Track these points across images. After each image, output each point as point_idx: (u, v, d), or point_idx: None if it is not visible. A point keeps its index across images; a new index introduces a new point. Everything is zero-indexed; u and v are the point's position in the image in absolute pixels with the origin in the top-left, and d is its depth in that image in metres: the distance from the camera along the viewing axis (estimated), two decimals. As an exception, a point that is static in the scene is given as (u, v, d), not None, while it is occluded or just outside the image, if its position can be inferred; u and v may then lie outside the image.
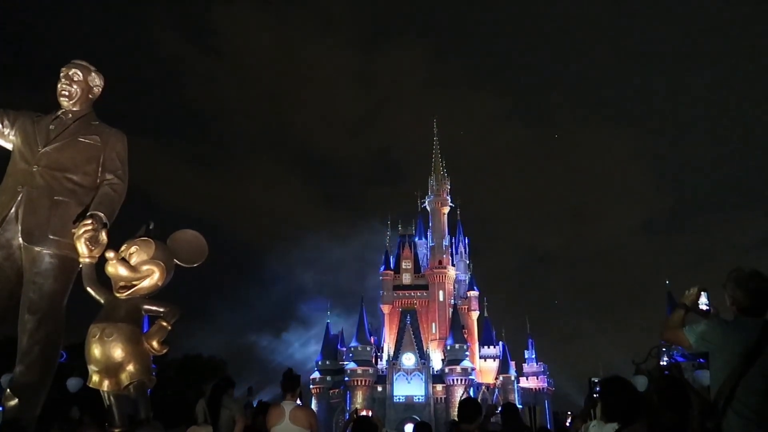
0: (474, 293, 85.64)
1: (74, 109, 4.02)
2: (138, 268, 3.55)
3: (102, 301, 3.61)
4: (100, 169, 3.90)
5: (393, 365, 74.76)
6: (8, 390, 3.34)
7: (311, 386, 77.59)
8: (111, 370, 3.43)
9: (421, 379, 73.91)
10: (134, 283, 3.54)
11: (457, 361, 74.52)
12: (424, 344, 77.50)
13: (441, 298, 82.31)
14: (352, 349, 77.42)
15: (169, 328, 3.59)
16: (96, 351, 3.42)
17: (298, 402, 5.96)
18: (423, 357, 75.41)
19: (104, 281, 3.64)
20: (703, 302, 3.44)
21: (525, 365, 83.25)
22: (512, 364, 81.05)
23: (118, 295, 3.56)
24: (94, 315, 3.59)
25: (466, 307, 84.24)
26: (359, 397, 72.98)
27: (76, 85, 4.01)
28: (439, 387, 73.99)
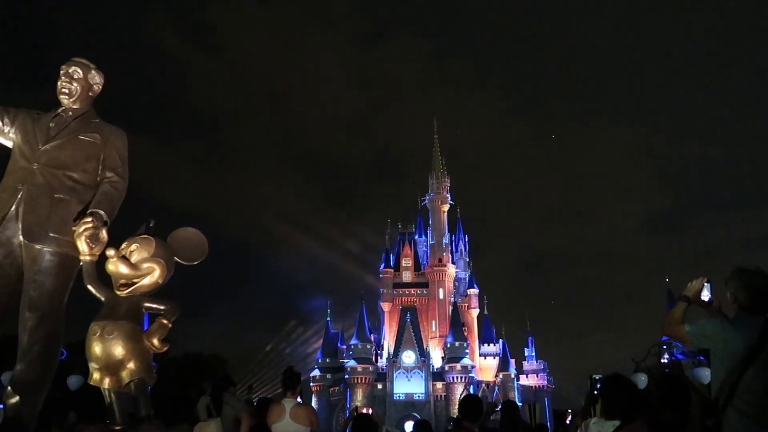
0: (474, 291, 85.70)
1: (74, 106, 4.02)
2: (138, 266, 3.55)
3: (103, 299, 3.61)
4: (100, 166, 3.90)
5: (393, 363, 74.82)
6: (9, 388, 3.34)
7: (311, 384, 77.66)
8: (112, 367, 3.44)
9: (421, 376, 73.97)
10: (135, 281, 3.54)
11: (457, 359, 74.58)
12: (424, 342, 77.56)
13: (441, 296, 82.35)
14: (352, 346, 77.47)
15: (170, 325, 3.59)
16: (97, 349, 3.42)
17: (299, 400, 5.97)
18: (423, 355, 75.47)
19: (105, 279, 3.64)
20: (705, 294, 3.42)
21: (525, 363, 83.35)
22: (512, 361, 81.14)
23: (118, 293, 3.56)
24: (93, 313, 3.59)
25: (466, 305, 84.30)
26: (359, 395, 73.03)
27: (76, 83, 4.01)
28: (439, 385, 74.06)
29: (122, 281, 3.54)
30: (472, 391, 68.00)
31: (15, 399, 3.32)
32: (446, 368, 74.81)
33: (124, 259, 3.54)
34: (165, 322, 3.58)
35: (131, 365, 3.45)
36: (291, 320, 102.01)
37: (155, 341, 3.53)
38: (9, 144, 3.91)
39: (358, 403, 68.78)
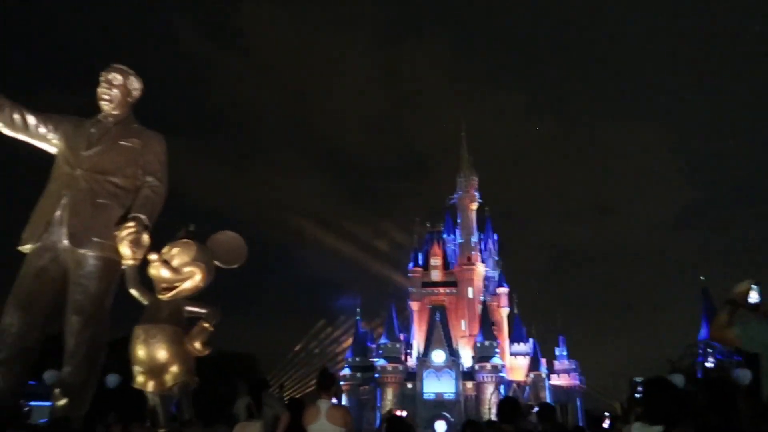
0: (503, 290, 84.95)
1: (114, 112, 4.09)
2: (180, 269, 3.58)
3: (145, 303, 3.66)
4: (140, 171, 3.96)
5: (423, 362, 74.65)
6: (57, 390, 3.42)
7: (342, 383, 77.98)
8: (156, 371, 3.48)
9: (451, 376, 73.63)
10: (176, 284, 3.58)
11: (487, 358, 74.01)
12: (453, 341, 77.19)
13: (470, 295, 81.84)
14: (382, 346, 77.52)
15: (211, 329, 3.62)
16: (141, 352, 3.47)
17: (334, 400, 5.97)
18: (453, 354, 75.11)
19: (147, 283, 3.69)
20: (753, 296, 3.32)
21: (556, 362, 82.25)
22: (543, 361, 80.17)
23: (160, 296, 3.60)
24: (130, 312, 3.65)
25: (496, 303, 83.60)
26: (389, 394, 73.06)
27: (115, 89, 4.08)
28: (470, 384, 73.61)
29: (164, 285, 3.58)
30: (502, 391, 67.43)
31: (64, 401, 3.39)
32: (476, 368, 74.30)
33: (166, 263, 3.58)
34: (206, 325, 3.61)
35: (174, 368, 3.49)
36: (320, 319, 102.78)
37: (197, 344, 3.57)
38: (53, 150, 4.00)
39: (388, 402, 68.85)
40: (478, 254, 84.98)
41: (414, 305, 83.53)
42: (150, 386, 3.51)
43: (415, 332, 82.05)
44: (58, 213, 3.70)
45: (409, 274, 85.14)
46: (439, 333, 75.88)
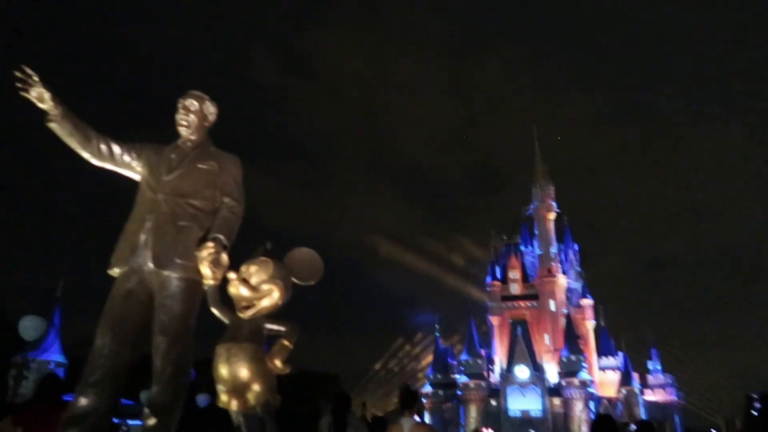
0: (588, 301, 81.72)
1: (192, 137, 4.20)
2: (258, 287, 3.60)
3: (227, 322, 3.70)
4: (218, 193, 4.03)
5: (506, 378, 72.78)
6: (146, 409, 3.49)
7: (424, 400, 77.31)
8: (238, 389, 3.50)
9: (537, 392, 71.28)
10: (255, 302, 3.60)
11: (574, 373, 71.13)
12: (537, 356, 74.84)
13: (553, 308, 79.25)
14: (463, 362, 76.34)
15: (291, 347, 3.61)
16: (223, 371, 3.50)
17: (417, 418, 5.85)
18: (537, 369, 72.79)
19: (227, 302, 3.73)
20: None
21: (649, 377, 77.96)
22: (635, 376, 76.24)
23: (241, 315, 3.62)
24: (215, 332, 3.68)
25: (581, 316, 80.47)
26: (473, 412, 71.67)
27: (192, 115, 4.20)
28: (557, 401, 70.94)
29: (244, 303, 3.60)
30: (593, 407, 64.56)
31: (153, 420, 3.45)
32: (563, 383, 71.56)
33: (245, 281, 3.61)
34: (286, 343, 3.60)
35: (256, 387, 3.49)
36: (398, 336, 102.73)
37: (278, 362, 3.56)
38: (137, 177, 4.15)
39: (473, 420, 67.53)
40: (559, 265, 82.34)
41: (494, 320, 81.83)
42: (233, 405, 3.53)
43: (497, 347, 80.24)
44: (142, 237, 3.81)
45: (487, 288, 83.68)
46: (522, 348, 73.79)
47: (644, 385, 76.81)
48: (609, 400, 71.51)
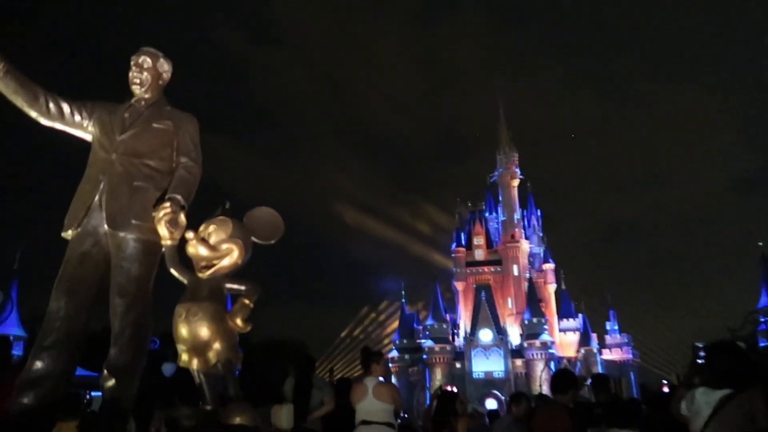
0: (550, 266, 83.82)
1: (146, 96, 4.08)
2: (217, 247, 3.57)
3: (185, 282, 3.67)
4: (174, 153, 3.94)
5: (470, 341, 74.61)
6: (105, 371, 3.45)
7: (390, 365, 78.69)
8: (199, 348, 3.49)
9: (500, 354, 73.40)
10: (215, 262, 3.57)
11: (536, 336, 73.39)
12: (500, 320, 76.79)
13: (516, 273, 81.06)
14: (429, 327, 77.80)
15: (252, 305, 3.61)
16: (183, 331, 3.48)
17: (380, 378, 5.94)
18: (500, 332, 74.78)
19: (186, 262, 3.69)
20: None
21: (607, 337, 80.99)
22: (594, 336, 79.03)
23: (200, 275, 3.59)
24: (176, 299, 3.64)
25: (542, 280, 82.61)
26: (438, 375, 73.42)
27: (146, 72, 4.06)
28: (519, 362, 73.25)
29: (203, 263, 3.57)
30: (553, 367, 66.80)
31: (112, 382, 3.42)
32: (525, 345, 73.82)
33: (203, 241, 3.57)
34: (247, 302, 3.59)
35: (217, 345, 3.49)
36: (365, 303, 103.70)
37: (239, 321, 3.56)
38: (88, 137, 4.01)
39: (438, 382, 69.15)
40: (522, 231, 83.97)
41: (459, 285, 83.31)
42: (195, 364, 3.53)
43: (461, 312, 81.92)
44: (96, 198, 3.72)
45: (452, 255, 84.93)
46: (486, 312, 75.56)
47: (602, 345, 79.81)
48: (569, 359, 74.14)
